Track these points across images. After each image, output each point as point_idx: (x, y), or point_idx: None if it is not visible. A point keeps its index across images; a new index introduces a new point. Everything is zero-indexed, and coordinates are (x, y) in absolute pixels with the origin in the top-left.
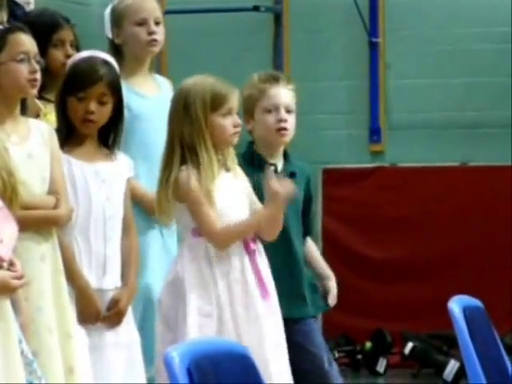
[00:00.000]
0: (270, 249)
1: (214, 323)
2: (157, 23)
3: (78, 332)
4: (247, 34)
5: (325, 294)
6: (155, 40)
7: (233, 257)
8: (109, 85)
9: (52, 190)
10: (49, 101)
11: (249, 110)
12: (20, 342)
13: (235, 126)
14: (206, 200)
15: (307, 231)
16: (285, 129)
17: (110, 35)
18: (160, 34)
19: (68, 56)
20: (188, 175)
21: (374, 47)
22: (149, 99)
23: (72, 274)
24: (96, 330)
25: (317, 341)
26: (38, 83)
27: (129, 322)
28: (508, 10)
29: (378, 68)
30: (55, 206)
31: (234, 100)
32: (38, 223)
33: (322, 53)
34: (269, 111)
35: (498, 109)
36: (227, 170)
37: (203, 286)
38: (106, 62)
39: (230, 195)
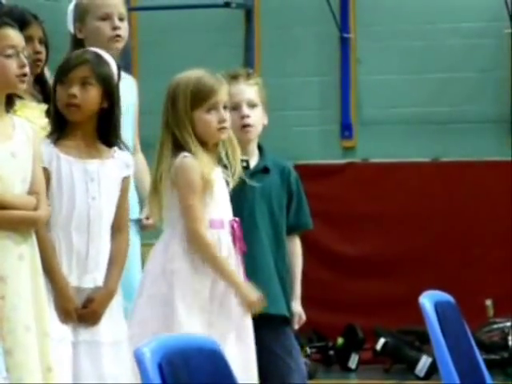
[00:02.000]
0: (248, 247)
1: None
2: (121, 19)
3: (62, 329)
4: (218, 30)
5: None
6: (119, 35)
7: (223, 251)
8: (94, 70)
9: (32, 191)
10: (18, 97)
11: None
12: None
13: (221, 122)
14: (200, 195)
15: (296, 226)
16: (248, 125)
17: (72, 30)
18: (124, 29)
19: (37, 52)
20: (192, 162)
21: (345, 43)
22: None
23: (50, 271)
24: (73, 327)
25: (282, 344)
26: (27, 78)
27: (115, 321)
28: (480, 5)
29: (349, 63)
30: (35, 207)
31: (220, 95)
32: (17, 223)
33: (294, 48)
34: (232, 109)
35: (469, 104)
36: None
37: (197, 277)
38: (98, 55)
39: (221, 190)
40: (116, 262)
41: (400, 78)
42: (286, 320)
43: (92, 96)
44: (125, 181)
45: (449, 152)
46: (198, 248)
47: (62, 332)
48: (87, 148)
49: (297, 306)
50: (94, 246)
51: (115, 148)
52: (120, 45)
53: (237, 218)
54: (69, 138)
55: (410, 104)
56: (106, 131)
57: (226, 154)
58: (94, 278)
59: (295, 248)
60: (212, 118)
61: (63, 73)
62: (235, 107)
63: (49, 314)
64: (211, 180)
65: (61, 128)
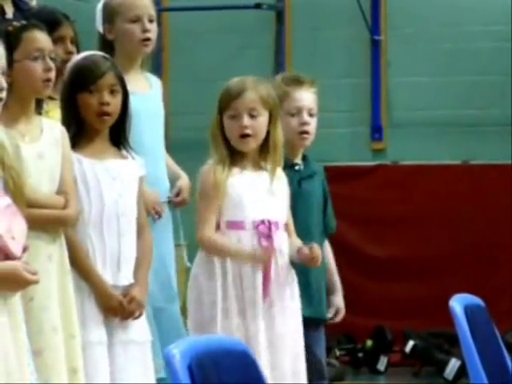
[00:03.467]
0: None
1: (219, 315)
2: (150, 21)
3: (99, 331)
4: (249, 32)
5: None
6: (148, 39)
7: (245, 246)
8: (117, 76)
9: (61, 191)
10: (51, 98)
11: None
12: None
13: (242, 128)
14: (214, 201)
15: (327, 229)
16: (307, 132)
17: (101, 30)
18: (153, 32)
19: (68, 53)
20: (209, 170)
21: (375, 45)
22: (138, 96)
23: (86, 273)
24: (106, 327)
25: (322, 345)
26: (52, 83)
27: (141, 322)
28: (509, 9)
29: (379, 66)
30: (64, 207)
31: (243, 101)
32: (46, 223)
33: (324, 51)
34: (292, 114)
35: (499, 107)
36: (259, 168)
37: (211, 278)
38: (106, 58)
39: (248, 192)
40: (144, 261)
41: (430, 81)
42: (319, 322)
43: (119, 103)
44: (141, 180)
45: (478, 154)
46: (206, 249)
47: (99, 335)
48: (103, 150)
49: (340, 300)
50: (124, 242)
51: (124, 149)
52: (149, 48)
53: (266, 219)
54: (85, 141)
55: (439, 106)
56: (117, 133)
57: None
58: (127, 275)
59: (328, 248)
60: (234, 125)
61: (91, 81)
62: (295, 113)
63: (76, 316)
64: (221, 185)
65: (77, 133)
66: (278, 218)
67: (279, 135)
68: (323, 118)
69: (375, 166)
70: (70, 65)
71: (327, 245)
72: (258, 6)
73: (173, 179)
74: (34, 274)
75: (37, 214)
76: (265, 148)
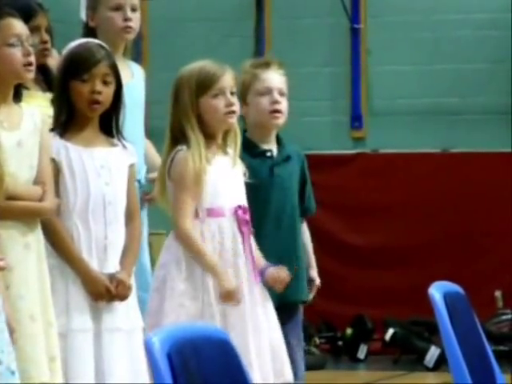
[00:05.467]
0: (275, 232)
1: (199, 306)
2: (133, 9)
3: (83, 319)
4: (229, 20)
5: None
6: (130, 27)
7: (226, 238)
8: (110, 66)
9: (38, 180)
10: (25, 88)
11: (242, 95)
12: (3, 331)
13: (228, 106)
14: (192, 190)
15: (305, 212)
16: (278, 111)
17: (84, 18)
18: (135, 20)
19: (44, 42)
20: (185, 156)
21: (355, 33)
22: None
23: (72, 258)
24: (93, 314)
25: (296, 333)
26: (33, 67)
27: (130, 309)
28: None
29: (359, 54)
30: (41, 198)
31: (225, 80)
32: (23, 214)
33: (304, 39)
34: (262, 94)
35: (479, 95)
36: (225, 153)
37: (191, 270)
38: (101, 46)
39: (223, 178)
40: (131, 248)
41: (410, 69)
42: (298, 306)
43: (111, 92)
44: (131, 168)
45: (459, 143)
46: (182, 242)
47: (82, 322)
48: (93, 137)
49: (314, 273)
50: (111, 231)
51: (116, 138)
52: (131, 36)
53: (242, 204)
54: (75, 128)
55: (420, 95)
56: (108, 122)
57: (226, 140)
58: (115, 263)
59: (305, 228)
60: (219, 103)
61: (84, 69)
62: (266, 93)
63: (51, 304)
64: (201, 173)
65: (67, 120)
66: (245, 203)
67: None
68: (303, 106)
69: (355, 154)
70: (64, 52)
71: (304, 226)
72: None
73: (151, 170)
74: (1, 259)
75: (14, 205)
76: (225, 132)
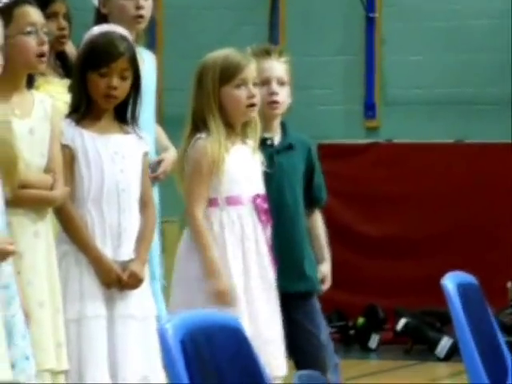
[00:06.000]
0: (275, 222)
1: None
2: None
3: (96, 306)
4: (243, 9)
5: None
6: (141, 16)
7: (246, 226)
8: (129, 60)
9: (49, 168)
10: (41, 74)
11: None
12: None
13: (250, 97)
14: (207, 178)
15: (315, 202)
16: (276, 102)
17: (96, 3)
18: (147, 9)
19: (61, 28)
20: (204, 145)
21: (370, 22)
22: None
23: (85, 246)
24: (107, 301)
25: (316, 320)
26: (46, 57)
27: (144, 297)
28: None
29: (373, 43)
30: (52, 187)
31: (249, 71)
32: (34, 202)
33: (319, 27)
34: (261, 84)
35: (494, 86)
36: (244, 143)
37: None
38: (123, 37)
39: (242, 167)
40: (145, 236)
41: (424, 59)
42: (307, 295)
43: (128, 86)
44: (145, 157)
45: (472, 133)
46: (191, 230)
47: (96, 309)
48: (108, 125)
49: (325, 268)
50: (125, 218)
51: (131, 127)
52: (142, 25)
53: (261, 193)
54: (91, 116)
55: (434, 85)
56: (124, 110)
57: (246, 128)
58: (128, 251)
59: (319, 218)
60: (241, 94)
61: (103, 63)
62: (264, 82)
63: (59, 290)
64: (220, 162)
65: (83, 108)
66: (263, 192)
67: None
68: (317, 95)
69: (368, 144)
70: (86, 38)
71: (317, 215)
72: None
73: (161, 152)
74: (11, 244)
75: (26, 194)
76: (246, 121)
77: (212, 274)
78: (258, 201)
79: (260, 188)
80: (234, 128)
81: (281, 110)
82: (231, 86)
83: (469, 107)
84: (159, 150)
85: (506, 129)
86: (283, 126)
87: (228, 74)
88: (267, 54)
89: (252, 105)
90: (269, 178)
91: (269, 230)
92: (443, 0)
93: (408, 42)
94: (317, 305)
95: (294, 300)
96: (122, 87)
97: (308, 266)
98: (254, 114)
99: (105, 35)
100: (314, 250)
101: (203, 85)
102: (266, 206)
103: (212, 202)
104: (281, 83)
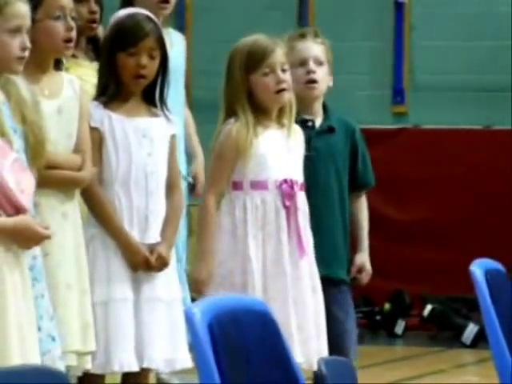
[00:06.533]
0: (312, 207)
1: (238, 277)
2: None
3: (123, 288)
4: None
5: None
6: (167, 1)
7: (269, 211)
8: (157, 39)
9: (78, 149)
10: (73, 56)
11: None
12: (42, 297)
13: (278, 83)
14: (229, 164)
15: (359, 187)
16: (314, 81)
17: None
18: None
19: (92, 12)
20: (231, 131)
21: (399, 8)
22: None
23: (113, 229)
24: (133, 284)
25: (345, 307)
26: (73, 43)
27: (170, 280)
28: None
29: (402, 29)
30: (80, 167)
31: (276, 56)
32: (62, 183)
33: (347, 13)
34: (297, 65)
35: None
36: (281, 126)
37: (233, 241)
38: (149, 18)
39: (272, 152)
40: (172, 219)
41: (453, 45)
42: (344, 284)
43: (156, 66)
44: (173, 139)
45: (501, 119)
46: (200, 212)
47: (123, 291)
48: (136, 107)
49: (362, 258)
50: (152, 201)
51: (160, 108)
52: (167, 11)
53: (291, 178)
54: (119, 98)
55: (462, 71)
56: (152, 92)
57: (283, 113)
58: (155, 234)
59: (363, 205)
60: (269, 81)
61: (131, 43)
62: (302, 63)
63: (87, 272)
64: (247, 146)
65: (111, 90)
66: (298, 177)
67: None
68: (345, 79)
69: (397, 129)
70: (112, 21)
71: (361, 201)
72: None
73: (190, 153)
74: (47, 228)
75: (54, 174)
76: (282, 105)
77: (201, 260)
78: (284, 186)
79: (291, 173)
80: (267, 112)
81: (319, 90)
82: (259, 73)
83: (497, 94)
84: (188, 151)
85: None
86: (325, 108)
87: (254, 62)
88: (302, 36)
89: (281, 90)
90: (306, 161)
91: (302, 217)
92: None
93: (437, 27)
94: (348, 293)
95: (325, 284)
96: (150, 66)
97: (342, 253)
98: (285, 99)
99: (131, 16)
100: (353, 236)
101: (231, 73)
102: (293, 191)
103: (236, 186)
104: (318, 63)
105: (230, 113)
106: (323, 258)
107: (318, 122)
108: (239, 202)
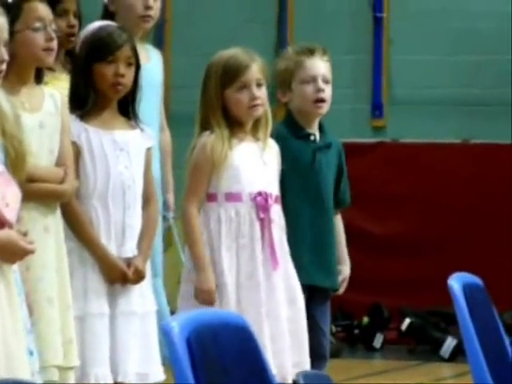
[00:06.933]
0: (308, 218)
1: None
2: None
3: (100, 303)
4: (252, 6)
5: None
6: (149, 16)
7: (243, 224)
8: (132, 48)
9: (60, 162)
10: (50, 69)
11: (285, 82)
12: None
13: (252, 100)
14: (206, 176)
15: (339, 204)
16: (322, 100)
17: (105, 0)
18: (156, 10)
19: (71, 26)
20: (206, 143)
21: (377, 22)
22: None
23: (90, 243)
24: (110, 298)
25: (328, 320)
26: (54, 52)
27: (145, 293)
28: None
29: (381, 43)
30: (62, 180)
31: (251, 72)
32: (45, 196)
33: (326, 26)
34: (307, 82)
35: (501, 87)
36: (256, 139)
37: (209, 253)
38: (121, 28)
39: (247, 164)
40: (148, 232)
41: (432, 59)
42: (329, 293)
43: (132, 75)
44: (148, 152)
45: (479, 134)
46: (184, 224)
47: (100, 306)
48: (112, 120)
49: (346, 270)
50: (129, 215)
51: (134, 120)
52: (149, 25)
53: (265, 191)
54: (95, 111)
55: (441, 85)
56: (126, 104)
57: (258, 126)
58: (132, 247)
59: (340, 222)
60: (243, 96)
61: (108, 51)
62: (310, 80)
63: (69, 287)
64: (221, 159)
65: (86, 103)
66: (272, 190)
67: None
68: None
69: (375, 143)
70: (84, 34)
71: (338, 218)
72: None
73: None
74: (31, 243)
75: (36, 187)
76: (258, 119)
77: (200, 270)
78: (259, 198)
79: (265, 186)
80: (242, 126)
81: (326, 108)
82: (233, 89)
83: (475, 108)
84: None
85: None
86: (320, 124)
87: (229, 77)
88: (311, 52)
89: (254, 106)
90: (309, 174)
91: (276, 229)
92: (451, 1)
93: (415, 42)
94: (329, 303)
95: (314, 294)
96: (128, 75)
97: (334, 263)
98: (258, 114)
99: (104, 27)
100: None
101: (207, 87)
102: (267, 204)
103: (211, 198)
104: (325, 81)
105: (206, 126)
106: (324, 268)
107: (317, 137)
108: (214, 213)
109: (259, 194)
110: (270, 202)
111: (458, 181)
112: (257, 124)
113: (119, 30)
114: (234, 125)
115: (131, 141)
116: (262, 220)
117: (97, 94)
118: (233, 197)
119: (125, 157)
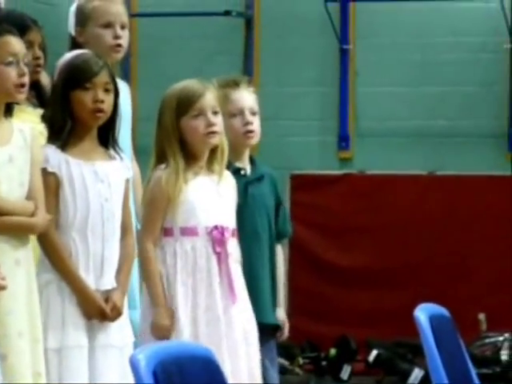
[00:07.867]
0: (245, 254)
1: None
2: (122, 27)
3: (78, 335)
4: (218, 39)
5: None
6: (119, 45)
7: (200, 258)
8: (109, 74)
9: (30, 196)
10: (16, 103)
11: None
12: None
13: (208, 126)
14: (161, 211)
15: (280, 235)
16: (251, 131)
17: (72, 32)
18: (125, 39)
19: (36, 58)
20: (160, 176)
21: (344, 54)
22: None
23: (68, 275)
24: (88, 331)
25: (275, 359)
26: (26, 88)
27: (123, 326)
28: (479, 20)
29: (347, 75)
30: (33, 214)
31: (206, 100)
32: (15, 229)
33: (293, 58)
34: (234, 115)
35: (467, 118)
36: (211, 172)
37: (165, 288)
38: (98, 55)
39: (202, 198)
40: (125, 264)
41: (398, 91)
42: (272, 331)
43: (112, 101)
44: (127, 183)
45: (446, 165)
46: (141, 259)
47: (77, 338)
48: (92, 149)
49: (283, 314)
50: (108, 247)
51: (113, 150)
52: (120, 54)
53: (221, 225)
54: (74, 140)
55: (407, 117)
56: (105, 133)
57: (213, 159)
58: (111, 279)
59: (280, 255)
60: (199, 123)
61: (86, 78)
62: (237, 113)
63: (39, 320)
64: (176, 193)
65: (66, 132)
66: (229, 224)
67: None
68: (291, 125)
69: (342, 175)
70: (61, 63)
71: (280, 250)
72: (227, 13)
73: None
74: (3, 279)
75: (6, 220)
76: (213, 150)
77: (157, 306)
78: (215, 232)
79: (222, 219)
80: (197, 158)
81: (255, 139)
82: (188, 116)
83: (442, 139)
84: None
85: (480, 161)
86: (250, 157)
87: (184, 106)
88: (236, 84)
89: (210, 132)
90: (242, 209)
91: (233, 263)
92: (417, 33)
93: (382, 73)
94: (273, 340)
95: (261, 331)
96: (107, 101)
97: (269, 299)
98: (215, 141)
99: (81, 55)
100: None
101: (162, 118)
102: (224, 238)
103: (167, 232)
104: (252, 113)
105: (162, 158)
106: (260, 303)
107: (247, 169)
108: (170, 248)
109: (215, 227)
110: (227, 235)
111: (425, 212)
112: (212, 156)
113: (95, 57)
114: (190, 158)
115: (111, 172)
116: (218, 254)
117: (76, 123)
118: (189, 231)
119: (105, 189)
